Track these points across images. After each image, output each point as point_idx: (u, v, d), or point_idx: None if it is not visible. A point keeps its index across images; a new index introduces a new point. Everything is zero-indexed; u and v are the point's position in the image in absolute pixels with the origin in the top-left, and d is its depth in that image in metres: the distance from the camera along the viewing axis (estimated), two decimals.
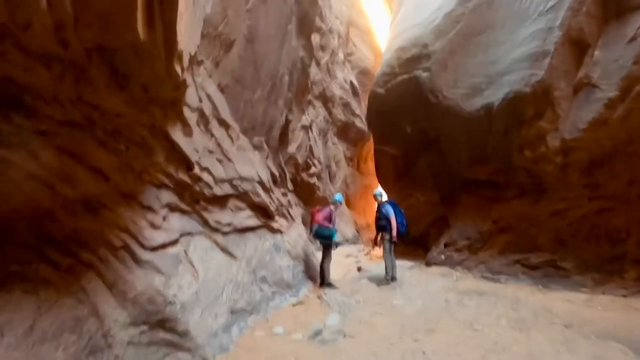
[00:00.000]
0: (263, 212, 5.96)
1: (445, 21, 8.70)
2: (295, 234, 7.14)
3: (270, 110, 6.68)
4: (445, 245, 9.49)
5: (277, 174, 7.14)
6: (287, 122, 8.76)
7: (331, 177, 14.40)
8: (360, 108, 16.30)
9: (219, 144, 4.70)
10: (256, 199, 5.68)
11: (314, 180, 11.72)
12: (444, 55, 8.61)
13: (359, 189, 17.93)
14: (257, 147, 6.19)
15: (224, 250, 4.73)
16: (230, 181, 4.92)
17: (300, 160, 10.02)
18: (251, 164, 5.63)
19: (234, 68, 5.23)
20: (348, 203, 16.37)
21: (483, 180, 8.16)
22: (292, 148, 9.59)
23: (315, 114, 11.94)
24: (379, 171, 12.93)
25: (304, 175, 11.02)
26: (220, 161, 4.74)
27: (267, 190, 6.12)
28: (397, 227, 7.09)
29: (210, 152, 4.58)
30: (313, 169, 11.63)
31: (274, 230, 6.25)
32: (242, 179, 5.21)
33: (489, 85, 7.40)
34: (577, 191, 6.30)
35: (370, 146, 17.32)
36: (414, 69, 9.53)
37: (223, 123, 4.91)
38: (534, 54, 6.36)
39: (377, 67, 17.08)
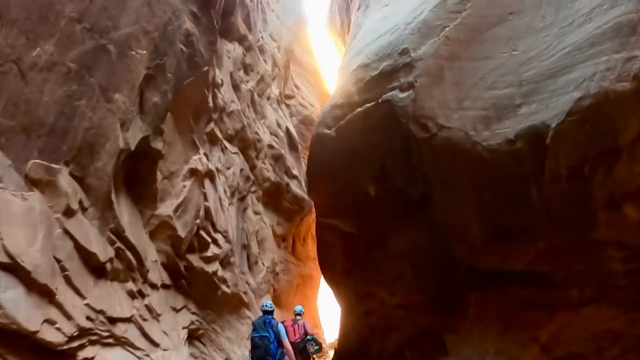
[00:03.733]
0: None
1: (437, 14, 6.96)
2: None
3: (85, 105, 4.13)
4: None
5: (102, 252, 4.62)
6: (153, 153, 5.15)
7: (251, 264, 11.18)
8: (300, 167, 13.86)
9: None
10: None
11: (214, 267, 8.04)
12: (437, 61, 6.58)
13: (294, 281, 15.59)
14: (37, 184, 3.97)
15: None
16: None
17: (182, 231, 6.26)
18: None
19: None
20: (277, 301, 14.26)
21: (517, 272, 6.21)
22: (165, 207, 6.04)
23: (225, 161, 8.72)
24: (323, 257, 10.72)
25: (193, 258, 7.12)
26: None
27: (45, 290, 3.86)
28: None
29: None
30: (213, 249, 7.84)
31: None
32: None
33: (528, 96, 5.49)
34: None
35: (312, 221, 14.68)
36: (385, 89, 7.45)
37: None
38: (620, 25, 4.54)
39: None
